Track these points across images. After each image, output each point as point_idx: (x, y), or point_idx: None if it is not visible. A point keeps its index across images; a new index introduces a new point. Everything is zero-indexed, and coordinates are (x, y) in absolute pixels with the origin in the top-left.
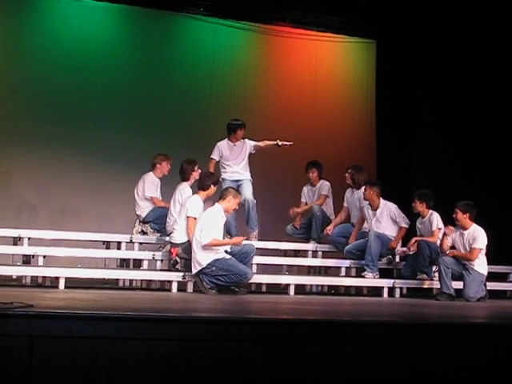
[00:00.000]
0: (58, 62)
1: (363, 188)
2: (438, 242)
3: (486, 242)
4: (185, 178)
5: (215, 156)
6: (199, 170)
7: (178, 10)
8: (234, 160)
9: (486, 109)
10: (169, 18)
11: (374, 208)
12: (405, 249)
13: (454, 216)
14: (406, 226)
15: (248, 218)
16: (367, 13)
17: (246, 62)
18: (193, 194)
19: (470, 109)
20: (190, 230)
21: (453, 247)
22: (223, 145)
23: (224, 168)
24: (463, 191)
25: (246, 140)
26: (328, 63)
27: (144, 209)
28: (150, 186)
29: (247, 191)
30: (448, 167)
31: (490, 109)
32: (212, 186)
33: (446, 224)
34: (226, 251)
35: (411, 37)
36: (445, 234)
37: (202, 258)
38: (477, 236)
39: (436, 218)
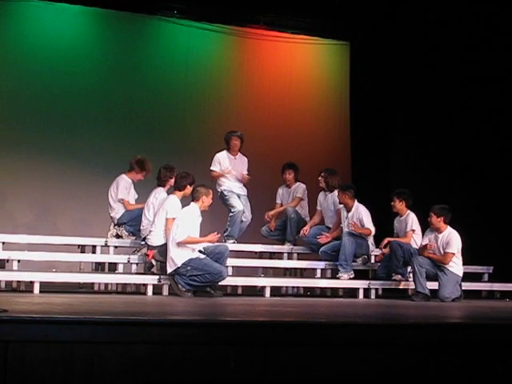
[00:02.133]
0: (32, 67)
1: (336, 192)
2: (413, 243)
3: (460, 246)
4: (161, 184)
5: (215, 168)
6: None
7: (152, 13)
8: (235, 174)
9: (461, 110)
10: (143, 21)
11: (349, 209)
12: (380, 252)
13: (429, 219)
14: (372, 231)
15: (235, 231)
16: (340, 15)
17: (220, 64)
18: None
19: (446, 109)
20: (169, 231)
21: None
22: (223, 156)
23: (223, 181)
24: (439, 192)
25: (245, 158)
26: (302, 65)
27: (118, 211)
28: (122, 188)
29: (249, 209)
30: (424, 168)
31: (466, 109)
32: (188, 186)
33: (422, 225)
34: (200, 251)
35: (384, 38)
36: (427, 249)
37: (176, 257)
38: (450, 240)
39: (411, 219)
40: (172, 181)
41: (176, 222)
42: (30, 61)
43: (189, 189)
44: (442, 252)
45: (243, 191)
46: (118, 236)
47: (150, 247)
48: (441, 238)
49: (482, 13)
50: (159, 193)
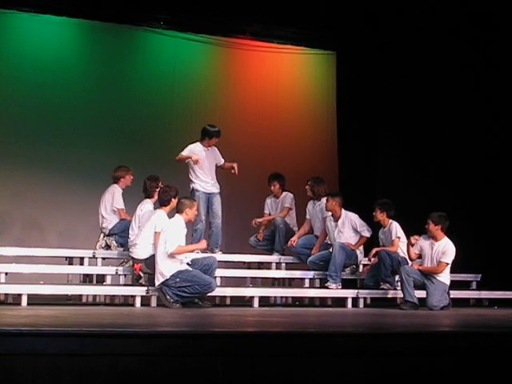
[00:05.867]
0: (17, 78)
1: (325, 199)
2: (400, 251)
3: (454, 257)
4: (149, 195)
5: (184, 153)
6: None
7: (137, 24)
8: (208, 166)
9: (448, 117)
10: (129, 32)
11: (336, 219)
12: (368, 261)
13: (426, 227)
14: (368, 234)
15: (216, 237)
16: (326, 25)
17: (206, 74)
18: (155, 209)
19: (432, 118)
20: (157, 244)
21: (420, 256)
22: (197, 147)
23: (196, 176)
24: (426, 200)
25: (216, 149)
26: (289, 75)
27: (111, 221)
28: (118, 198)
29: (219, 208)
30: (410, 176)
31: (452, 117)
32: (172, 199)
33: (406, 233)
34: (188, 264)
35: (370, 47)
36: (410, 244)
37: (165, 269)
38: (447, 250)
39: (395, 228)
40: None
41: (163, 236)
42: (15, 72)
43: (174, 202)
44: (435, 260)
45: (216, 188)
46: (107, 246)
47: (135, 260)
48: (437, 247)
49: (469, 18)
50: (144, 204)
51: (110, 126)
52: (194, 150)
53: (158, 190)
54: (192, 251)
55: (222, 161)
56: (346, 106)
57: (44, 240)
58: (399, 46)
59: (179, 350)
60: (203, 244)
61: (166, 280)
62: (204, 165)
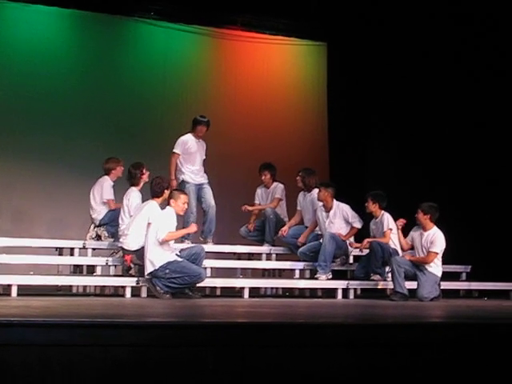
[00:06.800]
0: (7, 68)
1: (317, 189)
2: (391, 243)
3: (444, 247)
4: (134, 184)
5: (178, 150)
6: (148, 172)
7: (129, 15)
8: (199, 158)
9: (438, 108)
10: (120, 23)
11: (328, 209)
12: (358, 244)
13: (416, 216)
14: (359, 226)
15: (210, 225)
16: (317, 16)
17: (198, 65)
18: (143, 197)
19: (423, 108)
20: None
21: (412, 247)
22: (189, 138)
23: (185, 167)
24: (417, 192)
25: (204, 143)
26: (280, 66)
27: (100, 211)
28: (107, 189)
29: (211, 197)
30: (401, 168)
31: (443, 108)
32: (165, 190)
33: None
34: (176, 254)
35: (361, 38)
36: (398, 228)
37: (155, 259)
38: (435, 240)
39: (387, 219)
40: (144, 177)
41: (155, 225)
42: (5, 62)
43: (166, 193)
44: (425, 250)
45: (204, 178)
46: (98, 237)
47: (125, 251)
48: (426, 237)
49: (458, 14)
50: (130, 193)
51: (100, 117)
52: (188, 143)
53: (142, 176)
54: (183, 236)
55: (204, 157)
56: (337, 97)
57: (34, 230)
58: (390, 37)
59: (169, 341)
60: (193, 227)
61: (156, 270)
62: (196, 157)
